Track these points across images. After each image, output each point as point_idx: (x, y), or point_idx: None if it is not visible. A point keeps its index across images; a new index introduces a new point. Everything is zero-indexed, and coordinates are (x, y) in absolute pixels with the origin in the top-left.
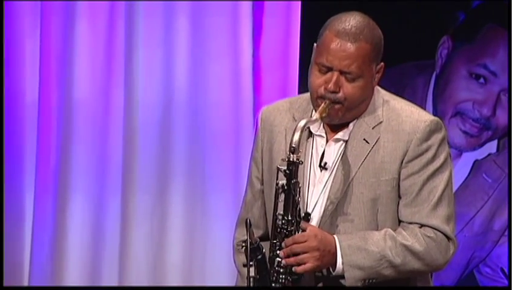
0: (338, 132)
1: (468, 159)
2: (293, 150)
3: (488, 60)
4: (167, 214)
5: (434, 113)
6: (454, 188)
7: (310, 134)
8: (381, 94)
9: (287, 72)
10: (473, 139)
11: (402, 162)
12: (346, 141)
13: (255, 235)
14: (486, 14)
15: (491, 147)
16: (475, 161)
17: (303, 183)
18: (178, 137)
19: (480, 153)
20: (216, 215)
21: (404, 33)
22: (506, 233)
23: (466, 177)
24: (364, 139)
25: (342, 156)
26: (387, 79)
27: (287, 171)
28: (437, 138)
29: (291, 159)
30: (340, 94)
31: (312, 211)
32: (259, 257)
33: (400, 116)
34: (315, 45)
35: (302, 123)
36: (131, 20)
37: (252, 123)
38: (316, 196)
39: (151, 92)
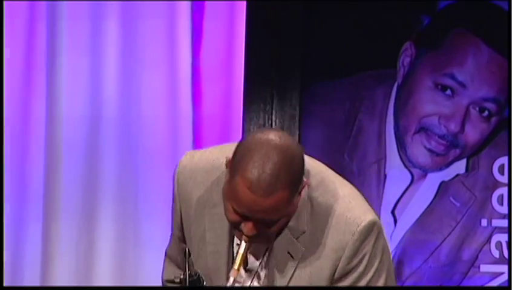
0: None
1: (433, 180)
2: None
3: (456, 69)
4: (95, 243)
5: (396, 129)
6: (419, 212)
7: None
8: (305, 189)
9: (231, 82)
10: (439, 158)
11: (331, 281)
12: (269, 248)
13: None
14: (454, 18)
15: (459, 167)
16: (442, 183)
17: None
18: (107, 156)
19: (447, 174)
20: (150, 244)
21: (361, 39)
22: (477, 264)
23: (432, 201)
24: (288, 253)
25: (267, 268)
26: (342, 91)
27: None
28: (369, 246)
29: None
30: (260, 234)
31: None
32: None
33: (326, 226)
34: (228, 158)
35: None
36: (53, 22)
37: (192, 141)
38: None
39: (76, 105)
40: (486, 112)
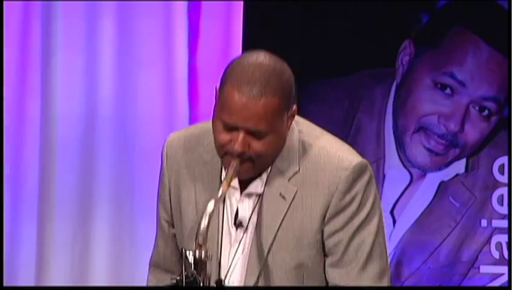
0: (251, 182)
1: (432, 180)
2: (200, 243)
3: (455, 68)
4: (90, 243)
5: (395, 129)
6: (418, 213)
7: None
8: (296, 133)
9: None
10: (439, 158)
11: (324, 220)
12: (260, 195)
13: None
14: (453, 16)
15: (459, 166)
16: (441, 183)
17: (217, 243)
18: (102, 156)
19: (447, 174)
20: (146, 244)
21: (360, 38)
22: (477, 265)
23: (431, 201)
24: (280, 195)
25: (257, 215)
26: (341, 90)
27: (193, 268)
28: (361, 184)
29: (197, 257)
30: (249, 153)
31: (230, 277)
32: None
33: (318, 164)
34: (217, 87)
35: (209, 208)
36: (48, 21)
37: None
38: (231, 257)
39: (72, 104)
40: (486, 111)
